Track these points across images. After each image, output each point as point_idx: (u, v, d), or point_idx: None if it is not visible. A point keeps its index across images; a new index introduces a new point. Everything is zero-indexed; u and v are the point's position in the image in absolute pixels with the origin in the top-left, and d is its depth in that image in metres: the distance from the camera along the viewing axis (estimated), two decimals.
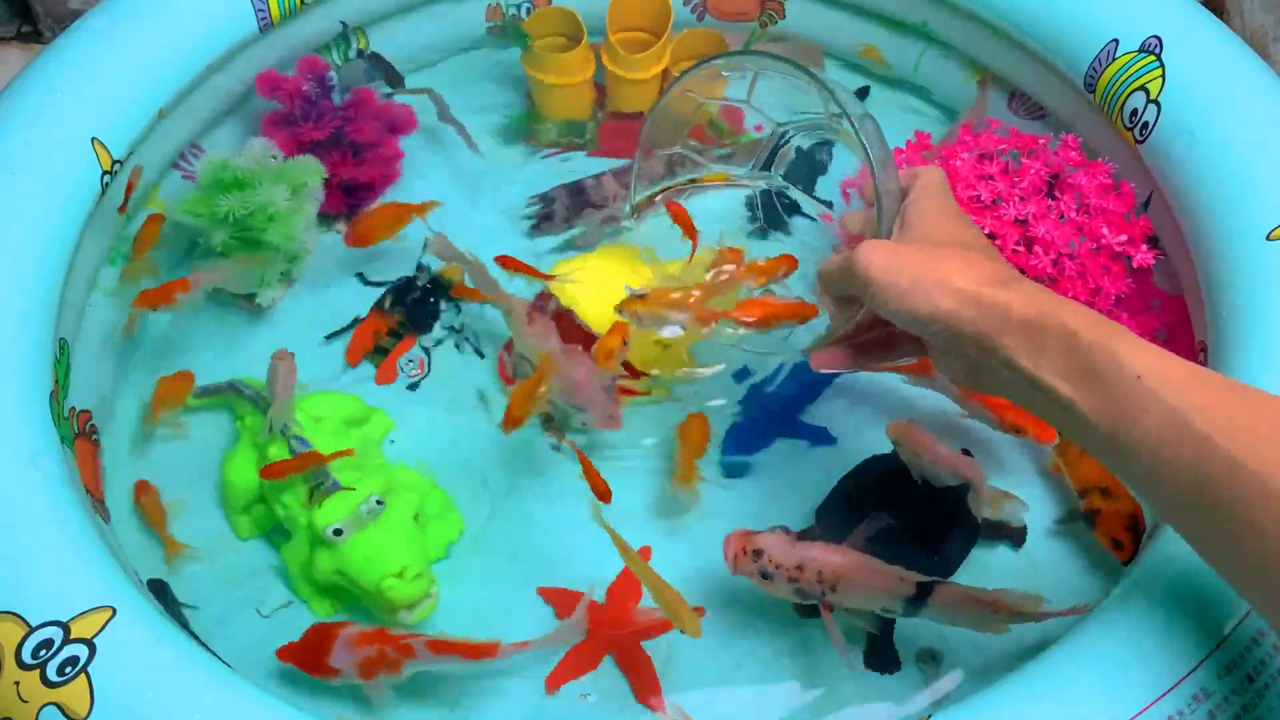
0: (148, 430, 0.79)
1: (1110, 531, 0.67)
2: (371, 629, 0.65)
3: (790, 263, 0.73)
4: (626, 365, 0.77)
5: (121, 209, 0.80)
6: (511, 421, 0.70)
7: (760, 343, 0.71)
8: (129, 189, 0.80)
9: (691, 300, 0.69)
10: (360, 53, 0.95)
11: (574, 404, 0.74)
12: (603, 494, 0.69)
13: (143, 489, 0.75)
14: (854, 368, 0.63)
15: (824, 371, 0.64)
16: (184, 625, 0.70)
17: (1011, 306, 0.49)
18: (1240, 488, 0.42)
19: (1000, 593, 0.62)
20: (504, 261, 0.80)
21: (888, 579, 0.63)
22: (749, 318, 0.68)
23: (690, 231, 0.76)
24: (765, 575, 0.64)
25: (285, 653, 0.66)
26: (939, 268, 0.51)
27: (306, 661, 0.65)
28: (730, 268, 0.72)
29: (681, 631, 0.64)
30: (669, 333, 0.70)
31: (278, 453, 0.73)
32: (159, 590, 0.71)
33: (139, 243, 0.82)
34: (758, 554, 0.64)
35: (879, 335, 0.61)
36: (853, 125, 0.58)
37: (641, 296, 0.70)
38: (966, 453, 0.77)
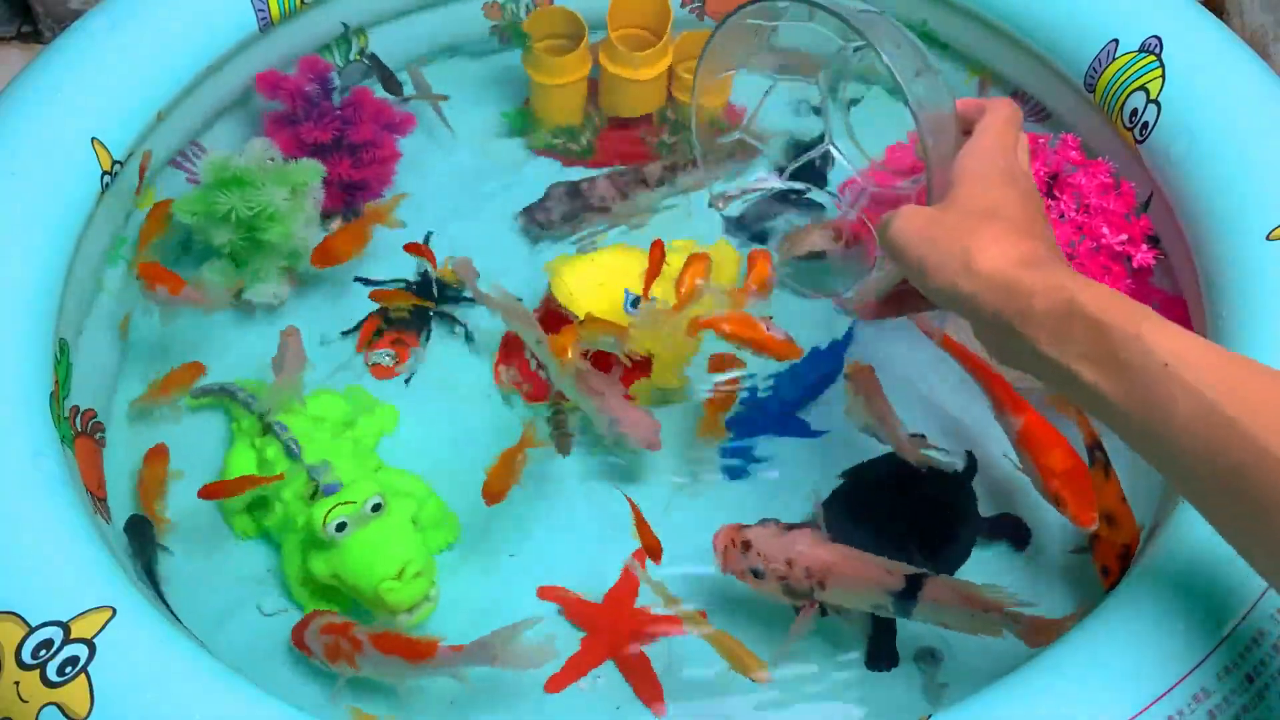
0: (144, 409, 0.79)
1: (1103, 559, 0.67)
2: (340, 621, 0.65)
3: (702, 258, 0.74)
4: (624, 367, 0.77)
5: (137, 191, 0.81)
6: (492, 496, 0.70)
7: (809, 282, 0.71)
8: (141, 172, 0.81)
9: (629, 328, 0.74)
10: (362, 50, 0.95)
11: (613, 430, 0.74)
12: (654, 551, 0.68)
13: (157, 455, 0.76)
14: (893, 316, 0.62)
15: (868, 320, 0.63)
16: (151, 571, 0.70)
17: (1035, 292, 0.48)
18: (1270, 475, 0.42)
19: (991, 589, 0.62)
20: (412, 249, 0.83)
21: (875, 571, 0.63)
22: (736, 334, 0.71)
23: (651, 274, 0.77)
24: (756, 573, 0.64)
25: (295, 628, 0.67)
26: (966, 245, 0.50)
27: (296, 633, 0.67)
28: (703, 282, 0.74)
29: (751, 679, 0.64)
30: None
31: (274, 455, 0.73)
32: (138, 527, 0.72)
33: (145, 233, 0.82)
34: (746, 547, 0.64)
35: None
36: (901, 86, 0.54)
37: (587, 321, 0.73)
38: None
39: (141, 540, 0.71)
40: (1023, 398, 0.69)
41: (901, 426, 0.71)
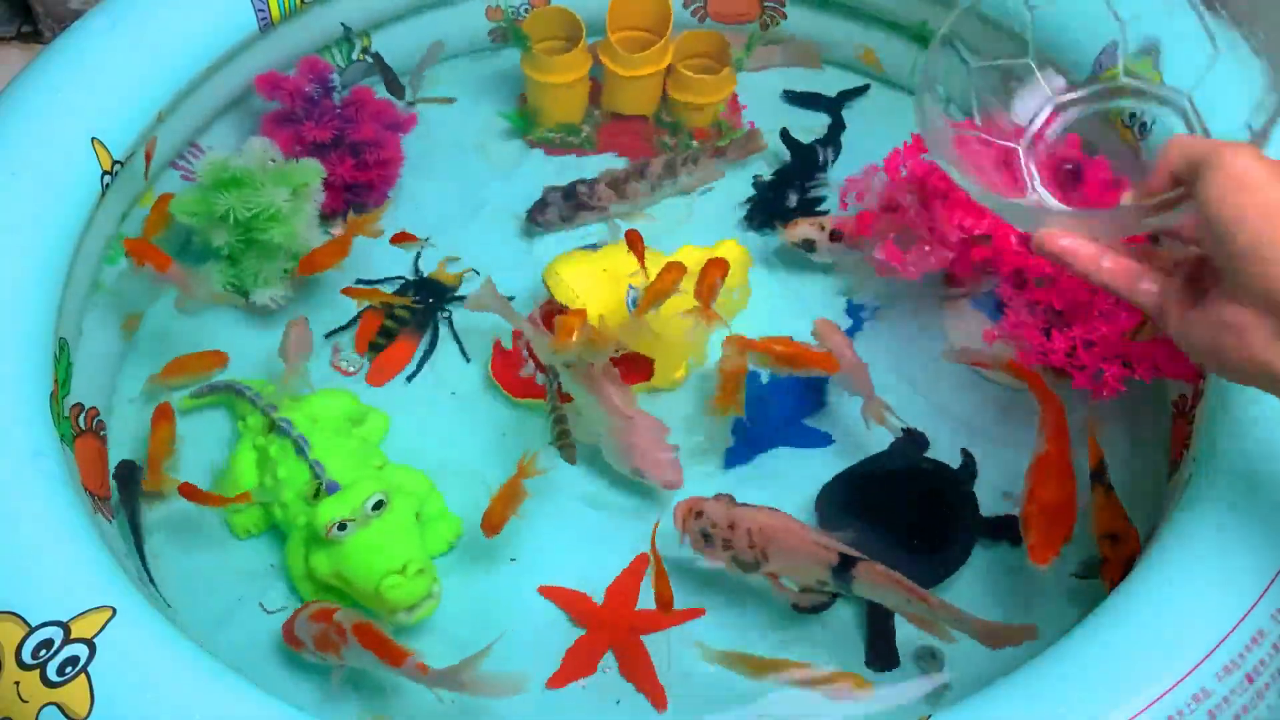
0: (155, 390, 0.80)
1: (1111, 575, 0.67)
2: (332, 607, 0.65)
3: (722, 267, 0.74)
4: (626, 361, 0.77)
5: (145, 177, 0.82)
6: (491, 528, 0.70)
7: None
8: (147, 161, 0.81)
9: (612, 333, 0.74)
10: (366, 49, 0.95)
11: (631, 465, 0.74)
12: (665, 603, 0.69)
13: (162, 415, 0.76)
14: (1079, 263, 0.52)
15: (1043, 248, 0.52)
16: (135, 523, 0.72)
17: None
18: None
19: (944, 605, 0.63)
20: (400, 238, 0.83)
21: (810, 544, 0.65)
22: (785, 354, 0.73)
23: (641, 258, 0.77)
24: (705, 536, 0.67)
25: (285, 624, 0.67)
26: None
27: (286, 630, 0.66)
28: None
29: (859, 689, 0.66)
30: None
31: (278, 452, 0.73)
32: (126, 473, 0.73)
33: (149, 226, 0.82)
34: (699, 515, 0.67)
35: (1149, 257, 0.52)
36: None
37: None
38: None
39: (128, 487, 0.72)
40: (1068, 432, 0.70)
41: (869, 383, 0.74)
